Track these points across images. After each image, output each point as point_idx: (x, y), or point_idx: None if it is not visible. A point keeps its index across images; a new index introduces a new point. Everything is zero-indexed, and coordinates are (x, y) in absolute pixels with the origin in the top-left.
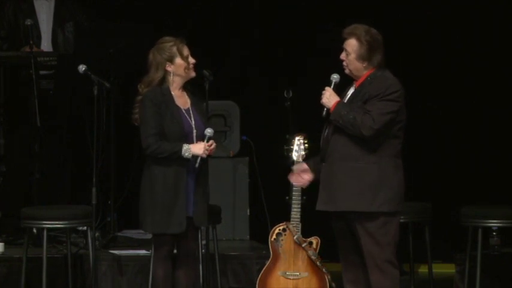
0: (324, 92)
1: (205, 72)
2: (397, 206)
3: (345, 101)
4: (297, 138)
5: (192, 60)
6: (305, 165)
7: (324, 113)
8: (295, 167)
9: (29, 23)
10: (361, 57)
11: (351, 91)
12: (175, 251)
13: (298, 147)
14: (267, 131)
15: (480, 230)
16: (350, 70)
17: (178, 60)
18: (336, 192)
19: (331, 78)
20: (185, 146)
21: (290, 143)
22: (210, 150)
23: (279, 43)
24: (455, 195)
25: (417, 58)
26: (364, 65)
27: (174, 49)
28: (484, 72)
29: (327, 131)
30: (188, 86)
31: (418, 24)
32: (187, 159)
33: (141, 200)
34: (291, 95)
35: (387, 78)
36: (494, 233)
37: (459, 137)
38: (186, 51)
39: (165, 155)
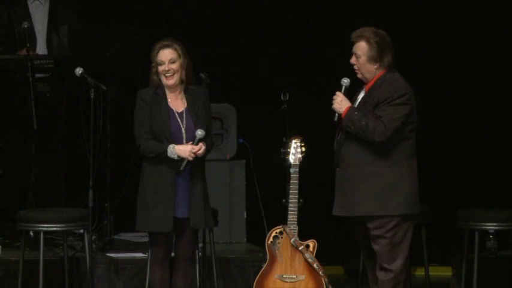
0: (334, 97)
1: (202, 75)
2: (411, 208)
3: (356, 105)
4: (293, 141)
5: (164, 67)
6: None
7: (336, 118)
8: None
9: (25, 26)
10: (372, 59)
11: (361, 95)
12: (172, 254)
13: (295, 150)
14: (264, 133)
15: (477, 233)
16: (362, 73)
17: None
18: (350, 197)
19: (342, 83)
20: (171, 147)
21: (287, 145)
22: (197, 152)
23: (276, 46)
24: (453, 197)
25: (417, 58)
26: (375, 67)
27: (155, 52)
28: (484, 72)
29: (339, 136)
30: (189, 90)
31: (418, 24)
32: (177, 160)
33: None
34: (287, 97)
35: (395, 81)
36: (491, 236)
37: (457, 139)
38: (161, 56)
39: (152, 155)
